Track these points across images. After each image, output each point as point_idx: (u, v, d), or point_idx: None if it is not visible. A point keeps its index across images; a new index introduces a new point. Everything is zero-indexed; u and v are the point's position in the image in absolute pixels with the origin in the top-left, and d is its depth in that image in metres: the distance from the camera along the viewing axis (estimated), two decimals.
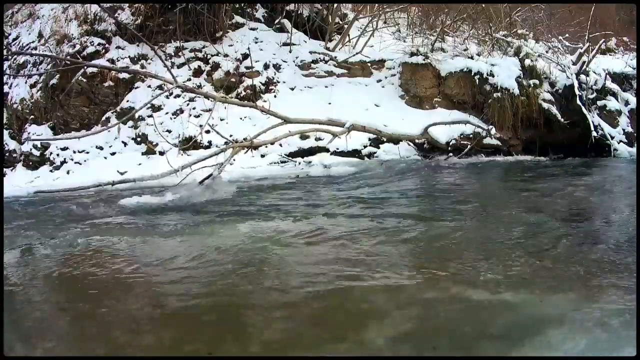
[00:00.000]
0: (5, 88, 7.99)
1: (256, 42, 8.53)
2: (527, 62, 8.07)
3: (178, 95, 7.76)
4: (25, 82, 7.98)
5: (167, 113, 7.61)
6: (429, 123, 7.36)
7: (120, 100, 7.75)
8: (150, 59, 8.05)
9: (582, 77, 7.99)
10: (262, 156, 7.13)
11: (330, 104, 7.78)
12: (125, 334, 2.13)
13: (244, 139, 6.48)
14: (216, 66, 8.14)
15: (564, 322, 2.03)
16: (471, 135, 7.53)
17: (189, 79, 7.90)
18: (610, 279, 2.48)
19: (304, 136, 7.06)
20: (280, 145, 7.09)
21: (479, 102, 7.99)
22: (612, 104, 8.01)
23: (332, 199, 4.71)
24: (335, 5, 9.52)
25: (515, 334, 1.97)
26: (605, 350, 1.84)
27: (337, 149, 7.09)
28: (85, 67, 7.42)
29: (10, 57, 8.18)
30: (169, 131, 7.34)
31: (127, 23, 8.06)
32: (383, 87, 8.41)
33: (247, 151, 6.60)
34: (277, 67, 8.33)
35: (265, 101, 6.91)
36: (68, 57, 7.52)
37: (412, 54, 8.21)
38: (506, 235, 3.32)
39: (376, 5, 9.86)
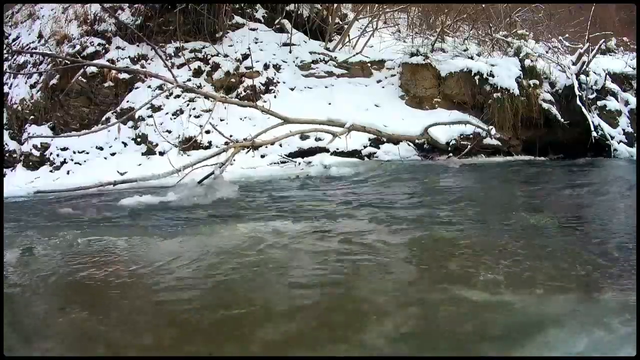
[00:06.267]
0: (5, 88, 7.99)
1: (256, 43, 8.53)
2: (527, 62, 8.06)
3: (178, 96, 7.76)
4: (25, 82, 7.98)
5: (167, 113, 7.61)
6: (429, 123, 7.36)
7: (120, 100, 7.76)
8: (151, 59, 8.06)
9: (582, 77, 7.98)
10: (262, 156, 7.13)
11: (330, 104, 7.79)
12: (125, 334, 2.13)
13: (244, 139, 6.48)
14: (216, 66, 8.14)
15: (564, 322, 2.03)
16: (471, 136, 7.53)
17: (189, 79, 7.90)
18: (610, 279, 2.48)
19: (304, 136, 7.07)
20: (280, 145, 7.09)
21: (479, 102, 7.98)
22: (612, 104, 8.01)
23: (332, 200, 4.71)
24: (335, 5, 9.51)
25: (515, 334, 1.97)
26: (605, 350, 1.84)
27: (337, 149, 7.09)
28: (85, 67, 7.41)
29: (10, 57, 8.18)
30: (169, 131, 7.34)
31: (127, 23, 8.07)
32: (383, 87, 8.41)
33: (247, 151, 6.60)
34: (277, 68, 8.33)
35: (265, 101, 6.91)
36: (68, 57, 7.52)
37: (412, 54, 8.20)
38: (506, 235, 3.32)
39: (376, 5, 9.85)
